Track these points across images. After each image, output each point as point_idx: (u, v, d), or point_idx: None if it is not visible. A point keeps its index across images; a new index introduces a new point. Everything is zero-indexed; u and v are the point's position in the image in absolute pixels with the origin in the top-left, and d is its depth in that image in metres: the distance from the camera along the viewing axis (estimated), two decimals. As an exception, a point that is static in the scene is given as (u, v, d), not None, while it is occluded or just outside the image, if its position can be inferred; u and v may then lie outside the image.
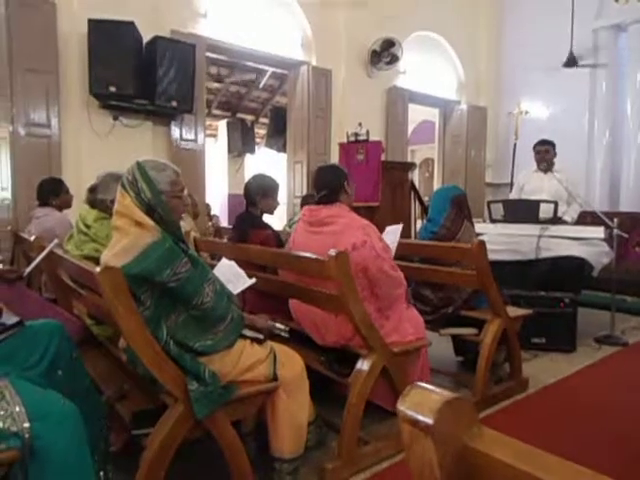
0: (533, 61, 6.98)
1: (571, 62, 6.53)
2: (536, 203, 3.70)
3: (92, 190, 2.33)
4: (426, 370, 2.31)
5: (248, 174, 9.38)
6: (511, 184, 6.05)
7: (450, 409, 0.46)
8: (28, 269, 2.18)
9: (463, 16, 7.12)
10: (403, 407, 0.48)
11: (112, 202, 2.22)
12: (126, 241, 1.49)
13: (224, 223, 7.87)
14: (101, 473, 1.61)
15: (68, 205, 3.51)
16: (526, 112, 7.11)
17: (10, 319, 1.50)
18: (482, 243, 2.38)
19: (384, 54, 5.89)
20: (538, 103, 7.15)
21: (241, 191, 2.69)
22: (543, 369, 3.05)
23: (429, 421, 0.45)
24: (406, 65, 6.44)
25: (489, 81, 7.63)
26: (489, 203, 4.06)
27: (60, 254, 2.10)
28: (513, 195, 4.40)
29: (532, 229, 3.57)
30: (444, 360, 3.13)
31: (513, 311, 2.71)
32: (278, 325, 1.96)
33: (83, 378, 1.62)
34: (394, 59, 5.98)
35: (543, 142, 4.06)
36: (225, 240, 3.25)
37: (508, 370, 2.79)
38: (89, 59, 3.95)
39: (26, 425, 1.19)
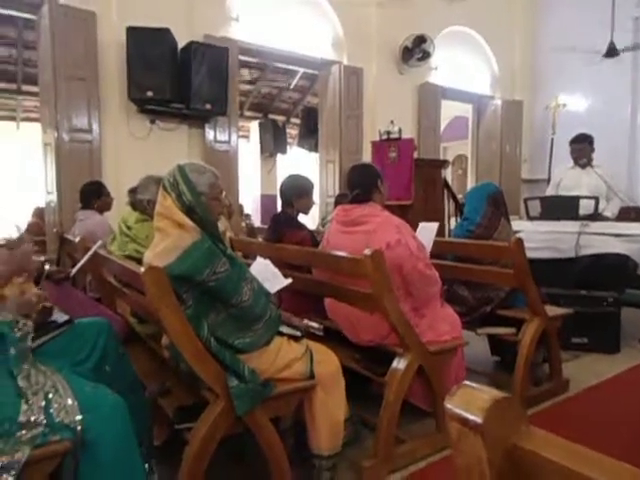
0: (571, 52, 6.75)
1: (612, 52, 6.28)
2: (576, 199, 3.59)
3: (133, 191, 2.42)
4: (462, 370, 2.29)
5: (280, 174, 9.46)
6: (548, 180, 5.89)
7: (499, 408, 0.47)
8: (74, 269, 2.27)
9: (497, 9, 6.97)
10: (451, 405, 0.49)
11: (149, 202, 2.32)
12: (168, 242, 1.54)
13: (257, 223, 7.97)
14: (146, 466, 1.67)
15: (108, 208, 3.64)
16: (564, 105, 6.89)
17: (61, 317, 1.57)
18: (520, 241, 2.33)
19: (416, 50, 5.83)
20: (576, 95, 6.92)
21: (273, 191, 2.73)
22: (584, 370, 2.96)
23: (478, 420, 0.46)
24: (438, 61, 6.36)
25: (524, 75, 7.43)
26: (526, 200, 3.97)
27: (104, 255, 2.19)
28: (549, 191, 4.29)
29: (571, 226, 3.47)
30: (480, 360, 3.08)
31: (552, 310, 2.64)
32: (312, 324, 1.98)
33: (129, 374, 1.69)
34: (426, 55, 5.91)
35: (577, 140, 3.94)
36: (259, 240, 3.30)
37: (547, 371, 2.73)
38: (127, 65, 4.08)
39: (78, 418, 1.25)
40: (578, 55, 6.65)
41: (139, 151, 4.35)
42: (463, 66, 6.85)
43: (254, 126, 9.85)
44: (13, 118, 8.94)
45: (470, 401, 0.47)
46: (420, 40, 5.78)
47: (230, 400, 1.47)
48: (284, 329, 1.74)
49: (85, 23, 4.05)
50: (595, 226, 3.45)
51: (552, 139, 6.65)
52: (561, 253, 3.45)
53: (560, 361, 2.68)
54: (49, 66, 3.99)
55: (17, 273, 1.65)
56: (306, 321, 1.99)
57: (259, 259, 2.06)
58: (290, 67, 6.64)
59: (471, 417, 0.46)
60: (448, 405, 0.49)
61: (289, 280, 1.94)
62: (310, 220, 4.88)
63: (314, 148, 7.59)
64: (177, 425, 1.60)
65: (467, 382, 0.51)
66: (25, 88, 7.46)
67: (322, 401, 1.71)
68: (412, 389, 1.97)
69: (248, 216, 7.60)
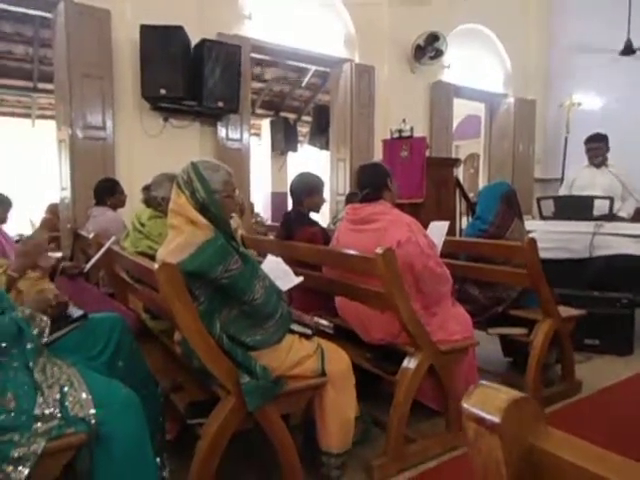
0: (586, 50, 6.66)
1: (628, 50, 6.20)
2: (590, 199, 3.55)
3: (146, 188, 2.43)
4: (473, 370, 2.28)
5: (291, 172, 9.47)
6: (561, 179, 5.83)
7: (517, 408, 0.46)
8: (89, 265, 2.30)
9: (510, 6, 6.90)
10: (468, 405, 0.48)
11: (163, 199, 2.33)
12: (181, 239, 1.55)
13: (267, 221, 7.98)
14: (157, 459, 1.68)
15: (122, 204, 3.68)
16: (578, 104, 6.81)
17: (75, 312, 1.59)
18: (533, 240, 2.31)
19: (428, 49, 5.80)
20: (591, 94, 6.82)
21: (284, 189, 2.74)
22: (597, 372, 2.93)
23: (496, 420, 0.46)
24: (451, 59, 6.31)
25: (538, 73, 7.35)
26: (539, 199, 3.94)
27: (117, 251, 2.21)
28: (562, 191, 4.25)
29: (585, 226, 3.43)
30: (492, 360, 3.06)
31: (565, 311, 2.61)
32: (322, 321, 1.98)
33: (142, 369, 1.70)
34: (438, 53, 5.87)
35: (594, 138, 3.90)
36: (271, 237, 3.31)
37: (560, 372, 2.70)
38: (141, 63, 4.11)
39: (92, 411, 1.26)
40: (593, 53, 6.56)
41: (152, 148, 4.38)
42: (476, 64, 6.80)
43: (265, 124, 9.87)
44: (28, 115, 9.06)
45: (487, 401, 0.47)
46: (433, 38, 5.74)
47: (241, 396, 1.48)
48: (295, 327, 1.75)
49: (100, 21, 4.08)
50: (610, 227, 3.41)
51: (566, 138, 6.58)
52: (574, 253, 3.42)
53: (573, 362, 2.66)
54: (64, 64, 4.03)
55: (31, 267, 1.68)
56: (316, 319, 2.00)
57: (270, 257, 2.06)
58: (302, 65, 6.64)
59: (488, 417, 0.46)
60: (465, 405, 0.49)
61: (300, 278, 1.94)
62: (320, 219, 4.89)
63: (325, 146, 7.58)
64: (189, 420, 1.61)
65: (484, 382, 0.51)
66: (40, 86, 7.54)
67: (333, 399, 1.71)
68: (422, 388, 1.97)
69: (257, 214, 7.61)
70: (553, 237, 3.50)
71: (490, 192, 2.83)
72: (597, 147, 3.88)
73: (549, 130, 7.34)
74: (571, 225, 3.51)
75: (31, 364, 1.25)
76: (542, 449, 0.47)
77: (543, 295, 2.40)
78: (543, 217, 3.85)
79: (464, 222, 5.26)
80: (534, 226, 3.69)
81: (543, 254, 2.48)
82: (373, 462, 1.86)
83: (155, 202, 2.39)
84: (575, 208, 3.61)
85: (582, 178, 3.95)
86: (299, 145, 9.90)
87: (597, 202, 3.52)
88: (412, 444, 2.00)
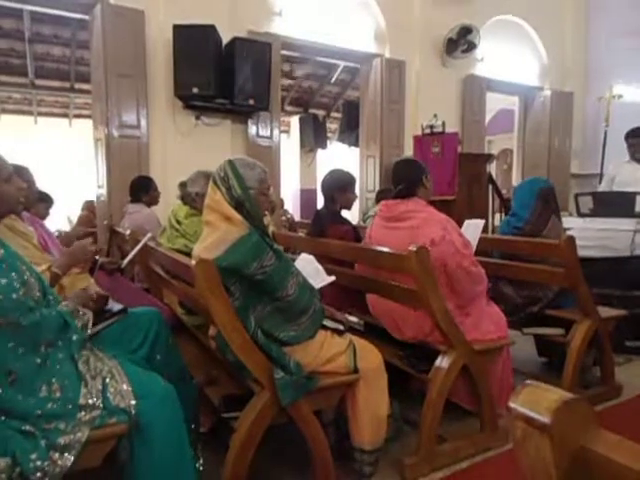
0: (627, 40, 6.40)
1: (673, 39, 5.93)
2: (632, 195, 3.42)
3: (182, 185, 2.49)
4: (508, 370, 2.23)
5: (320, 169, 9.48)
6: (600, 175, 5.63)
7: (568, 409, 0.45)
8: (126, 260, 2.36)
9: (546, -4, 6.69)
10: (516, 404, 0.48)
11: (197, 195, 2.38)
12: (216, 235, 1.58)
13: (296, 217, 8.02)
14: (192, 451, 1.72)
15: (156, 202, 3.76)
16: (619, 96, 6.54)
17: (115, 306, 1.64)
18: (572, 239, 2.25)
19: (461, 42, 5.69)
20: (633, 86, 6.55)
21: (312, 186, 2.74)
22: (638, 375, 2.83)
23: (546, 420, 0.45)
24: (484, 52, 6.17)
25: (576, 64, 7.10)
26: (577, 196, 3.81)
27: (153, 247, 2.27)
28: (603, 187, 4.11)
29: (627, 223, 3.30)
30: (526, 360, 2.99)
31: (605, 311, 2.53)
32: (352, 318, 1.98)
33: (177, 362, 1.74)
34: (471, 46, 5.76)
35: (636, 133, 3.74)
36: (300, 234, 3.32)
37: (598, 374, 2.62)
38: (174, 62, 4.18)
39: (132, 402, 1.30)
40: (635, 43, 6.29)
41: (184, 146, 4.46)
42: (510, 57, 6.62)
43: (294, 121, 9.90)
44: (66, 115, 9.37)
45: (537, 401, 0.46)
46: (466, 31, 5.63)
47: (275, 391, 1.49)
48: (328, 323, 1.75)
49: (134, 22, 4.18)
50: (653, 224, 3.27)
51: (605, 132, 6.34)
52: (615, 252, 3.30)
53: (613, 365, 2.57)
54: (100, 64, 4.14)
55: (75, 265, 1.74)
56: (346, 316, 2.00)
57: (304, 255, 2.08)
58: (331, 61, 6.62)
59: (538, 417, 0.45)
60: (513, 404, 0.48)
61: (332, 278, 1.95)
62: (350, 216, 4.88)
63: (354, 142, 7.54)
64: (223, 414, 1.64)
65: (530, 381, 0.50)
66: (77, 86, 7.79)
67: (365, 396, 1.71)
68: (455, 388, 1.94)
69: (286, 211, 7.65)
70: (592, 235, 3.38)
71: (526, 188, 2.76)
72: (639, 142, 3.73)
73: (587, 124, 7.10)
74: (611, 222, 3.38)
75: (75, 356, 1.30)
76: (594, 451, 0.46)
77: (581, 295, 2.33)
78: (581, 214, 3.73)
79: (497, 219, 5.16)
80: (571, 223, 3.59)
81: (581, 252, 2.41)
82: (405, 460, 1.85)
83: (189, 198, 2.45)
84: (616, 205, 3.49)
85: (623, 174, 3.81)
86: (328, 142, 9.89)
87: (639, 198, 3.39)
88: (444, 444, 1.98)
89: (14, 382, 1.18)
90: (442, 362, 1.89)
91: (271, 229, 3.05)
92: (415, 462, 1.85)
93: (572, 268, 2.26)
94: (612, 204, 3.50)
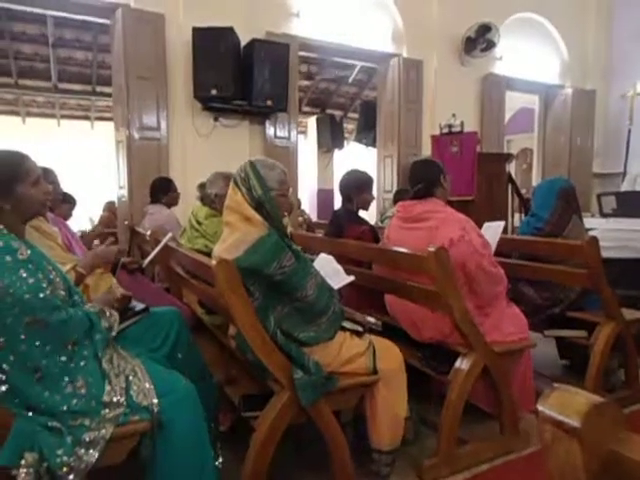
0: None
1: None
2: (657, 195, 3.35)
3: (202, 186, 2.51)
4: (529, 372, 2.20)
5: (337, 169, 9.47)
6: (624, 174, 5.52)
7: (598, 413, 0.45)
8: (147, 260, 2.39)
9: (567, -8, 6.58)
10: (545, 407, 0.47)
11: (216, 196, 2.41)
12: (236, 236, 1.59)
13: (313, 218, 8.03)
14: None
15: (175, 202, 3.81)
16: (643, 94, 6.41)
17: (138, 305, 1.67)
18: (595, 239, 2.21)
19: (479, 40, 5.63)
20: (658, 83, 6.41)
21: (329, 186, 2.74)
22: (664, 379, 2.76)
23: (576, 424, 0.44)
24: (503, 50, 6.09)
25: (598, 62, 6.97)
26: (599, 196, 3.75)
27: (174, 247, 2.29)
28: (625, 187, 4.04)
29: (652, 224, 3.24)
30: (547, 363, 2.95)
31: (629, 314, 2.48)
32: (369, 319, 1.97)
33: (198, 361, 1.76)
34: (490, 45, 5.69)
35: None
36: (318, 235, 3.33)
37: (622, 378, 2.57)
38: (193, 65, 4.23)
39: (155, 400, 1.33)
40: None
41: (203, 147, 4.51)
42: (530, 55, 6.52)
43: (311, 121, 9.91)
44: (88, 118, 9.55)
45: (566, 404, 0.46)
46: (484, 29, 5.57)
47: (295, 391, 1.50)
48: (347, 324, 1.75)
49: (154, 25, 4.24)
50: (678, 224, 3.20)
51: (629, 130, 6.21)
52: (638, 253, 3.23)
53: (637, 368, 2.52)
54: (121, 67, 4.21)
55: (100, 266, 1.78)
56: (365, 317, 1.99)
57: (323, 255, 2.08)
58: (348, 61, 6.62)
59: (568, 420, 0.45)
60: (541, 407, 0.48)
61: (351, 277, 1.95)
62: (367, 217, 4.87)
63: (372, 143, 7.52)
64: (243, 413, 1.66)
65: (560, 384, 0.50)
66: (99, 89, 7.94)
67: (384, 396, 1.71)
68: (476, 390, 1.92)
69: (304, 211, 7.67)
70: (615, 235, 3.32)
71: (547, 188, 2.72)
72: None
73: (610, 122, 6.95)
74: (635, 223, 3.32)
75: (100, 354, 1.33)
76: (625, 456, 0.45)
77: (605, 296, 2.29)
78: (603, 214, 3.67)
79: (516, 220, 5.09)
80: (593, 224, 3.53)
81: (604, 253, 2.36)
82: (424, 462, 1.84)
83: (208, 199, 2.47)
84: (640, 205, 3.42)
85: (648, 173, 3.73)
86: (345, 142, 9.88)
87: (664, 198, 3.32)
88: (464, 446, 1.96)
89: (41, 379, 1.21)
90: (462, 364, 1.88)
91: (289, 230, 3.06)
92: (434, 464, 1.84)
93: (595, 269, 2.22)
94: (636, 204, 3.43)
